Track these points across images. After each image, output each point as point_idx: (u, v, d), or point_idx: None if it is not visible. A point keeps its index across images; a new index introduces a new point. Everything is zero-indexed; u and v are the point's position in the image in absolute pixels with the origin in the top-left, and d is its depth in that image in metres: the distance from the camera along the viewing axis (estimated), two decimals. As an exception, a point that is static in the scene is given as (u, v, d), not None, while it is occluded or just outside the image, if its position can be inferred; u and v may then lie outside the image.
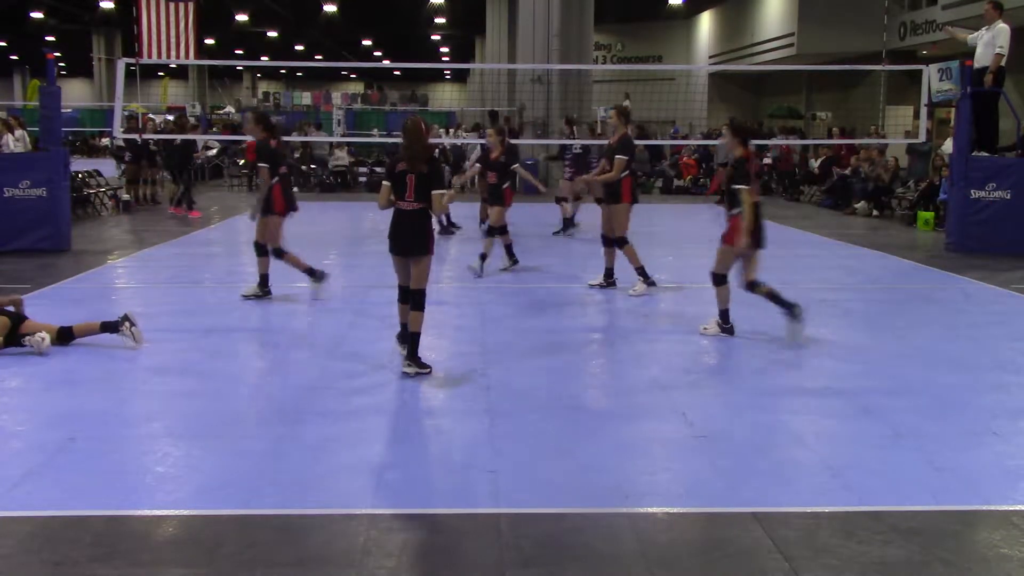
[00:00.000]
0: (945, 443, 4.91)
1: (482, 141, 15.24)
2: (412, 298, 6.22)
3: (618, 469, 4.51)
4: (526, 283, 9.95)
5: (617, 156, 8.96)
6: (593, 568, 3.54)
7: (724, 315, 7.36)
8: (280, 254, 8.55)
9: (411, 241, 6.20)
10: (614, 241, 9.15)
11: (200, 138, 17.80)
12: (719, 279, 7.25)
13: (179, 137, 16.55)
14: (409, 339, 6.23)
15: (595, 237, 13.48)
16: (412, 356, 6.19)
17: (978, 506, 4.15)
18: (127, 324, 6.72)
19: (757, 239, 6.97)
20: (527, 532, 3.81)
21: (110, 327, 6.74)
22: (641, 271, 9.19)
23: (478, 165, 11.77)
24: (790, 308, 7.02)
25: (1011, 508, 4.11)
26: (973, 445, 4.90)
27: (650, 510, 4.07)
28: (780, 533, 3.80)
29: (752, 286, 7.10)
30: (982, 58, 12.35)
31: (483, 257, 10.03)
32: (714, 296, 7.34)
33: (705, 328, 7.42)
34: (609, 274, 9.37)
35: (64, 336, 6.73)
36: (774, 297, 7.10)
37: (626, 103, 28.74)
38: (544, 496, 4.18)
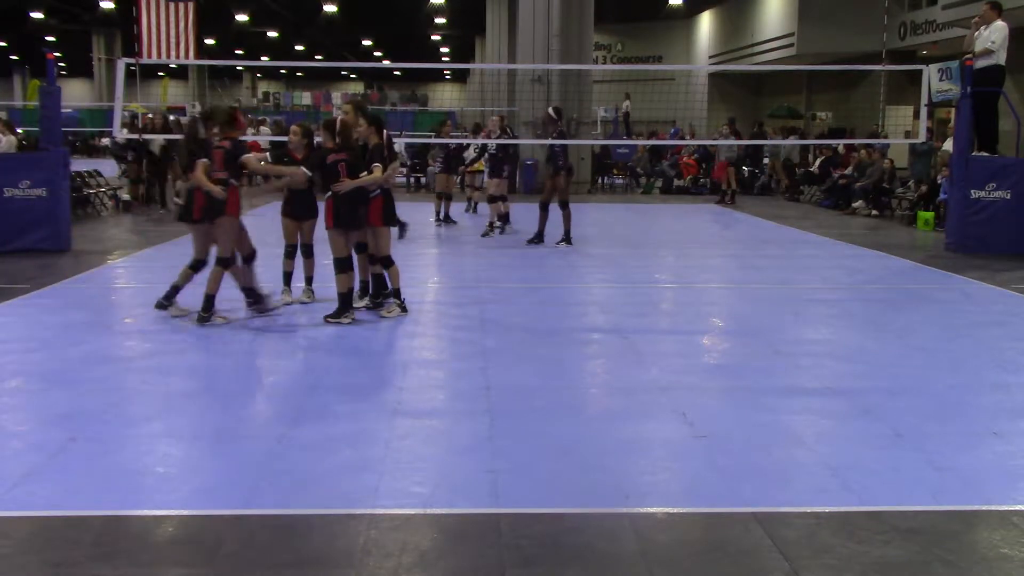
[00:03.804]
0: (945, 443, 4.91)
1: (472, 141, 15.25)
2: (341, 261, 7.47)
3: (618, 469, 4.51)
4: (526, 283, 9.96)
5: (373, 164, 7.61)
6: (593, 568, 3.54)
7: (397, 293, 7.86)
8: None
9: (354, 217, 7.49)
10: (379, 260, 7.96)
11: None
12: (388, 261, 7.81)
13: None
14: (374, 282, 7.85)
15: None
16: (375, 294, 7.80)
17: (978, 506, 4.15)
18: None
19: (390, 216, 7.93)
20: (527, 532, 3.80)
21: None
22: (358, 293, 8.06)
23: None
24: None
25: (1011, 508, 4.11)
26: (973, 445, 4.90)
27: (650, 510, 4.06)
28: (780, 533, 3.80)
29: (387, 262, 7.83)
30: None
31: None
32: (389, 278, 7.91)
33: (388, 312, 7.81)
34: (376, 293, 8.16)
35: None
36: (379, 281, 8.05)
37: (627, 108, 28.84)
38: (544, 496, 4.18)
